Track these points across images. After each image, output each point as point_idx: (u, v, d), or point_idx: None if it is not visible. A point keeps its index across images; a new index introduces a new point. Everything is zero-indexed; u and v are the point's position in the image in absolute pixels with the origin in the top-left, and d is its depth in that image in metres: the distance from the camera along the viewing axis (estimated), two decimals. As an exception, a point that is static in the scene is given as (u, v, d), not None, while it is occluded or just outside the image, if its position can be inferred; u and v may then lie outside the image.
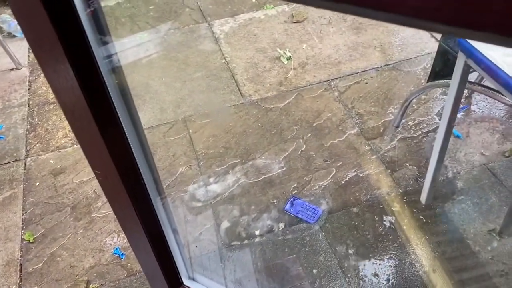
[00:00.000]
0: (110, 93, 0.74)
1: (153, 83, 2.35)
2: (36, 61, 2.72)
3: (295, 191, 1.79)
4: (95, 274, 1.58)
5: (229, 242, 1.65)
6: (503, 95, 1.27)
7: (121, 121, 0.81)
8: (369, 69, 2.34)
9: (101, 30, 0.72)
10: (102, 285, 1.56)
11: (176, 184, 1.86)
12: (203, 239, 1.67)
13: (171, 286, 1.39)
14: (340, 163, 1.89)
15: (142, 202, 1.03)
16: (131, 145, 0.87)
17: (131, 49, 2.58)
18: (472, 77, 1.58)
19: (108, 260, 1.62)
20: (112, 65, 0.77)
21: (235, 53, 2.50)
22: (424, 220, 1.66)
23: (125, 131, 0.84)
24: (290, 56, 2.44)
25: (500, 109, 2.06)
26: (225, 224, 1.70)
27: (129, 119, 0.87)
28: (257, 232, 1.67)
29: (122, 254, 1.63)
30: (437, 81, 1.69)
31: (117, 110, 0.78)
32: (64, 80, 0.66)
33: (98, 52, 0.69)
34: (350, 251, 1.58)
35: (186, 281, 1.42)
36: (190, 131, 2.08)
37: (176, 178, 1.88)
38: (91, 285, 1.55)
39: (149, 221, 1.11)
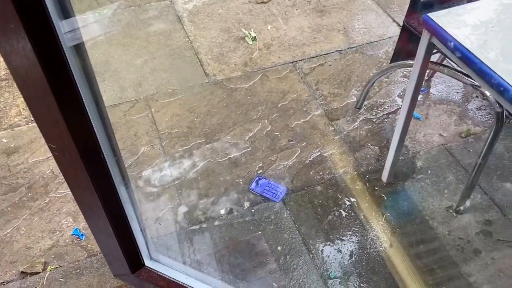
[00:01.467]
0: (68, 59, 0.69)
1: (112, 60, 2.27)
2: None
3: (260, 171, 1.79)
4: (53, 256, 1.53)
5: (193, 221, 1.63)
6: (464, 74, 1.30)
7: (80, 90, 0.76)
8: (333, 52, 2.35)
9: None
10: (60, 266, 1.50)
11: (138, 164, 1.81)
12: (166, 219, 1.64)
13: (133, 268, 1.35)
14: (305, 143, 1.90)
15: (103, 179, 0.98)
16: (91, 118, 0.82)
17: (89, 26, 2.46)
18: (433, 59, 1.62)
19: (67, 241, 1.57)
20: (72, 32, 0.72)
21: (199, 32, 2.44)
22: (385, 197, 1.70)
23: (84, 102, 0.79)
24: (255, 36, 2.42)
25: (457, 92, 2.13)
26: (189, 204, 1.68)
27: (89, 89, 0.82)
28: (222, 211, 1.65)
29: (82, 234, 1.57)
30: (399, 62, 1.72)
31: (75, 78, 0.73)
32: (15, 42, 0.60)
33: (55, 13, 0.64)
34: (314, 228, 1.60)
35: (148, 262, 1.38)
36: (153, 110, 2.02)
37: (138, 158, 1.83)
38: (49, 266, 1.49)
39: (110, 201, 1.06)
